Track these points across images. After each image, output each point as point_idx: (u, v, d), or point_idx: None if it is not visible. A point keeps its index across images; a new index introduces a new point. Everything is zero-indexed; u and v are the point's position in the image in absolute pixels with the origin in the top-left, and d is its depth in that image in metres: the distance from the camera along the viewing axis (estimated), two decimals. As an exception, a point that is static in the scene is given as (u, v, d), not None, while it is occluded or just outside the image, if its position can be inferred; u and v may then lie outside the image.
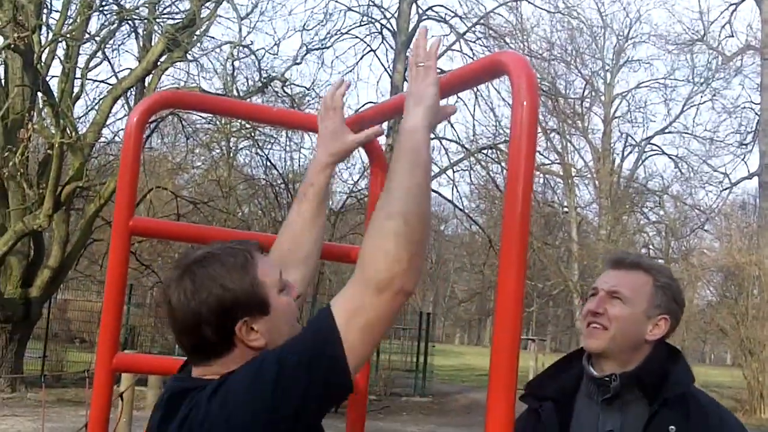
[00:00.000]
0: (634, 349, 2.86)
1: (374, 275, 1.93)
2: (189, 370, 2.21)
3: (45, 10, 20.49)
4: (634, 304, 2.85)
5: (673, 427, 2.74)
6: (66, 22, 20.45)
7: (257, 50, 26.74)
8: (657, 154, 45.92)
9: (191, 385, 2.08)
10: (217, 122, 26.26)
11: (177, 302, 2.09)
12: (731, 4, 40.39)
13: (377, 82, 60.52)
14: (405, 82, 28.08)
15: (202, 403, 1.99)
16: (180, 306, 2.09)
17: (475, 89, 26.91)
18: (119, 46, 27.62)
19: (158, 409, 2.14)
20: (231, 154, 32.27)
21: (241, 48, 24.76)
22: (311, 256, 2.63)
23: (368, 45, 30.72)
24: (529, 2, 33.09)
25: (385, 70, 30.64)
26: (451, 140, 31.48)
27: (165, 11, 22.09)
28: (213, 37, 25.74)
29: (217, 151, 31.62)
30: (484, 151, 31.02)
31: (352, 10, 29.46)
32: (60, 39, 20.16)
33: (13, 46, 17.22)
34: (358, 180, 29.60)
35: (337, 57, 64.15)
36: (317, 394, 1.93)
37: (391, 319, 1.97)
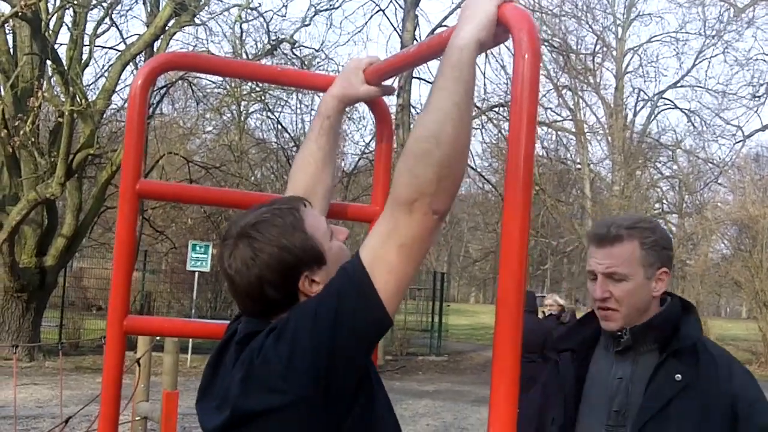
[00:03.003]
0: (647, 310, 2.94)
1: (403, 196, 1.93)
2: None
3: (51, -22, 20.41)
4: (633, 277, 2.91)
5: (679, 375, 2.82)
6: (73, -11, 20.41)
7: (265, 12, 26.88)
8: (669, 108, 45.69)
9: (261, 327, 2.13)
10: (227, 86, 26.22)
11: (237, 269, 2.15)
12: (742, -45, 40.02)
13: (387, 42, 60.03)
14: (415, 41, 27.95)
15: (261, 338, 2.07)
16: (241, 272, 2.15)
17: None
18: (127, 11, 27.52)
19: (229, 347, 2.22)
20: (242, 118, 32.26)
21: (249, 10, 24.73)
22: (331, 190, 2.68)
23: (377, 4, 30.52)
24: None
25: (395, 29, 30.45)
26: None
27: (171, -25, 21.98)
28: (221, 0, 25.58)
29: (228, 115, 31.62)
30: (496, 109, 30.93)
31: (360, -31, 29.20)
32: (67, 6, 20.12)
33: (20, 14, 17.18)
34: (369, 141, 29.58)
35: (345, 17, 63.84)
36: (349, 326, 1.95)
37: (427, 239, 1.97)
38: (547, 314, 12.07)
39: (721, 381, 2.82)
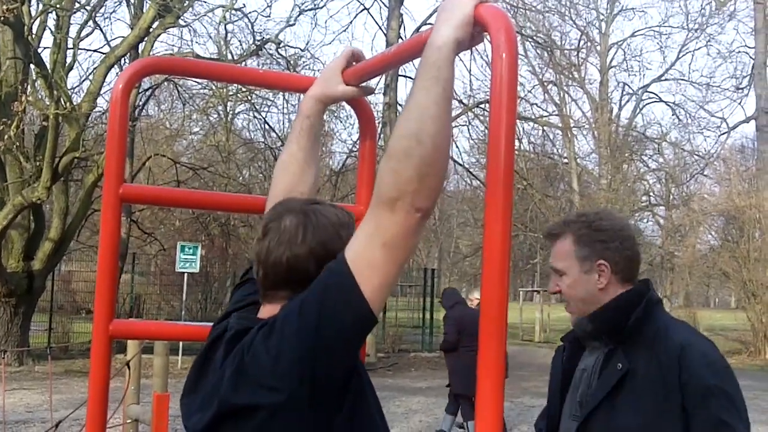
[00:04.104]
0: (599, 302, 3.01)
1: (385, 195, 1.94)
2: (250, 312, 2.29)
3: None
4: (570, 271, 3.04)
5: (620, 364, 2.88)
6: (55, -8, 20.35)
7: (249, 13, 26.85)
8: (654, 101, 45.94)
9: (252, 324, 2.15)
10: (214, 87, 26.19)
11: (288, 239, 2.16)
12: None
13: (372, 41, 60.36)
14: (400, 40, 27.95)
15: (252, 334, 2.10)
16: (291, 242, 2.16)
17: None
18: (110, 14, 27.47)
19: (218, 345, 2.23)
20: (229, 119, 32.23)
21: (233, 11, 24.68)
22: (314, 189, 2.68)
23: (361, 3, 30.51)
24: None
25: (380, 28, 30.51)
26: (447, 95, 31.33)
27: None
28: (205, 1, 25.54)
29: (215, 115, 31.59)
30: (482, 106, 30.94)
31: (344, -32, 29.18)
32: (50, 9, 20.05)
33: (2, 18, 17.12)
34: (357, 140, 29.52)
35: (330, 17, 63.65)
36: (333, 324, 1.97)
37: (411, 237, 1.97)
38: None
39: (670, 370, 2.81)
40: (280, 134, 29.69)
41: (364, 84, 2.70)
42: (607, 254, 2.98)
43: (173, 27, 21.99)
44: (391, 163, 1.94)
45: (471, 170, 36.91)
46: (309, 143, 2.68)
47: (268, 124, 30.09)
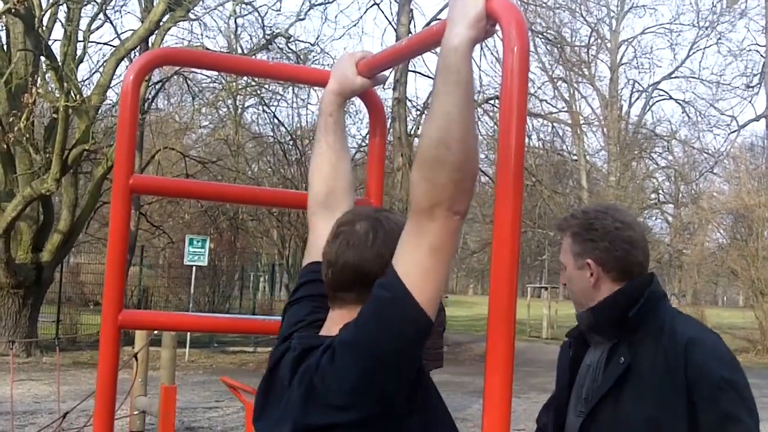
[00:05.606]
0: (593, 299, 3.03)
1: (423, 204, 1.95)
2: (312, 329, 2.30)
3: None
4: (567, 266, 3.11)
5: (622, 358, 2.89)
6: (66, -15, 20.38)
7: (260, 7, 26.86)
8: (664, 99, 45.90)
9: (318, 342, 2.16)
10: (223, 80, 26.22)
11: (361, 240, 2.18)
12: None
13: (382, 36, 60.22)
14: (409, 35, 27.90)
15: (317, 355, 2.09)
16: (362, 243, 2.18)
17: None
18: (121, 7, 27.48)
19: (285, 365, 2.22)
20: (238, 113, 32.21)
21: (243, 5, 24.71)
22: (352, 182, 2.68)
23: (372, -2, 30.45)
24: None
25: (390, 23, 30.35)
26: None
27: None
28: (215, -5, 25.64)
29: (224, 109, 31.58)
30: (491, 102, 30.86)
31: (355, -37, 29.13)
32: (61, 2, 20.08)
33: (13, 10, 17.13)
34: (366, 135, 29.51)
35: (341, 11, 63.70)
36: (393, 339, 1.97)
37: (454, 238, 1.99)
38: None
39: (677, 364, 2.80)
40: (289, 128, 29.69)
41: (380, 74, 2.72)
42: (595, 254, 3.01)
43: (183, 20, 22.03)
44: (423, 172, 1.95)
45: (480, 166, 36.85)
46: (336, 139, 2.68)
47: (277, 119, 30.09)
